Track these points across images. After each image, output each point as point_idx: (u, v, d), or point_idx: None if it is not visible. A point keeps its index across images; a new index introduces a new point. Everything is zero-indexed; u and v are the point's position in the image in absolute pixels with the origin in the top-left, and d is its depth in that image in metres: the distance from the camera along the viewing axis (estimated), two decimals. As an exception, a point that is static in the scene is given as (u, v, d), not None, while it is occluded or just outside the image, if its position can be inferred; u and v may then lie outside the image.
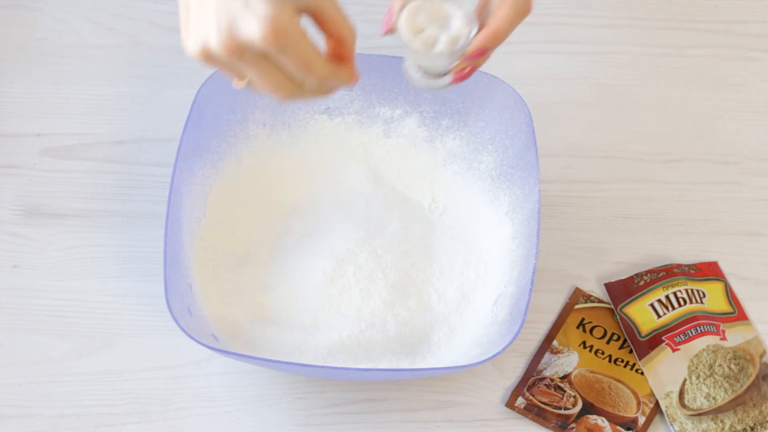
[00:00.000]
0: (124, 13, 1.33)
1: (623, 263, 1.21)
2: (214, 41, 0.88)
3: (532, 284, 1.08)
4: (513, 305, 1.10)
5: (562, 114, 1.29)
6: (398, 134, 1.24)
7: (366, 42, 1.32)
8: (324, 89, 0.94)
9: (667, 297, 1.16)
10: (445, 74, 1.05)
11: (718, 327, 1.14)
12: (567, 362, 1.14)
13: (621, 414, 1.12)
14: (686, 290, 1.16)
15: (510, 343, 1.05)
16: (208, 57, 0.90)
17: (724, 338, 1.13)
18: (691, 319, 1.14)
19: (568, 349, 1.15)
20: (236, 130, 1.20)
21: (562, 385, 1.13)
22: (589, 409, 1.12)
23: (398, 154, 1.24)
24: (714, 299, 1.16)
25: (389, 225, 1.20)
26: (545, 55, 1.32)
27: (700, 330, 1.14)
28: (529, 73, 1.31)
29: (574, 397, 1.12)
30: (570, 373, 1.13)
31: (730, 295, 1.16)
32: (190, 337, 1.04)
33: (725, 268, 1.20)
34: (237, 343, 1.11)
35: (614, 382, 1.13)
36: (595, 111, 1.29)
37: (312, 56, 0.90)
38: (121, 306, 1.17)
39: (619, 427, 1.11)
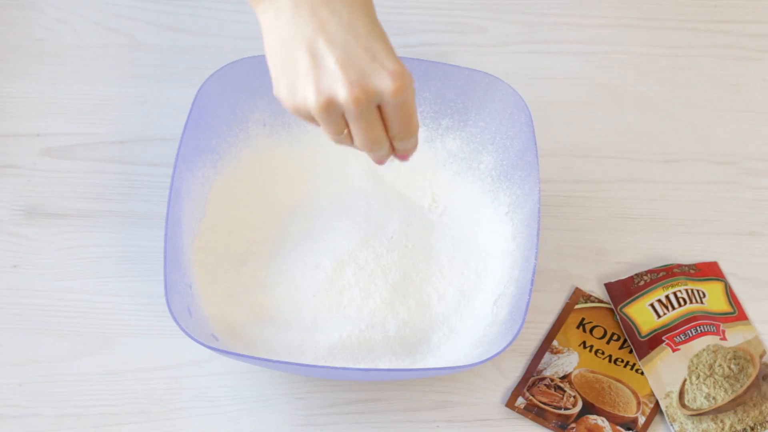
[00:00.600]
0: (124, 13, 1.33)
1: (623, 263, 1.21)
2: (343, 93, 0.90)
3: (532, 284, 1.08)
4: (513, 305, 1.10)
5: (562, 114, 1.29)
6: (398, 134, 1.24)
7: (366, 42, 1.32)
8: (401, 152, 0.98)
9: (667, 297, 1.16)
10: None
11: (718, 327, 1.14)
12: (567, 362, 1.14)
13: (621, 414, 1.12)
14: (686, 290, 1.16)
15: (510, 343, 1.05)
16: (329, 109, 0.92)
17: (724, 338, 1.13)
18: (691, 319, 1.14)
19: (568, 349, 1.15)
20: (236, 130, 1.20)
21: (562, 385, 1.13)
22: (589, 409, 1.12)
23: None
24: (714, 299, 1.16)
25: (389, 225, 1.19)
26: (545, 55, 1.32)
27: (700, 330, 1.14)
28: (529, 73, 1.31)
29: (574, 397, 1.12)
30: (570, 373, 1.14)
31: (730, 295, 1.17)
32: (190, 337, 1.04)
33: (725, 268, 1.20)
34: (237, 343, 1.11)
35: (614, 382, 1.13)
36: (595, 111, 1.29)
37: (415, 112, 0.94)
38: (121, 306, 1.17)
39: (619, 427, 1.11)
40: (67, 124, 1.27)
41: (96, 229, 1.21)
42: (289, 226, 1.20)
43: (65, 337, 1.15)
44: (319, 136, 1.23)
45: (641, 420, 1.12)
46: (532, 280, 1.08)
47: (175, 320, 1.04)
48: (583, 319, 1.17)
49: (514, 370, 1.15)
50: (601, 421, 1.11)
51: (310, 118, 0.95)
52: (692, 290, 1.16)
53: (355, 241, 1.17)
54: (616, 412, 1.12)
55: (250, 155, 1.21)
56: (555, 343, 1.15)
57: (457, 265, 1.18)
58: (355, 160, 1.23)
